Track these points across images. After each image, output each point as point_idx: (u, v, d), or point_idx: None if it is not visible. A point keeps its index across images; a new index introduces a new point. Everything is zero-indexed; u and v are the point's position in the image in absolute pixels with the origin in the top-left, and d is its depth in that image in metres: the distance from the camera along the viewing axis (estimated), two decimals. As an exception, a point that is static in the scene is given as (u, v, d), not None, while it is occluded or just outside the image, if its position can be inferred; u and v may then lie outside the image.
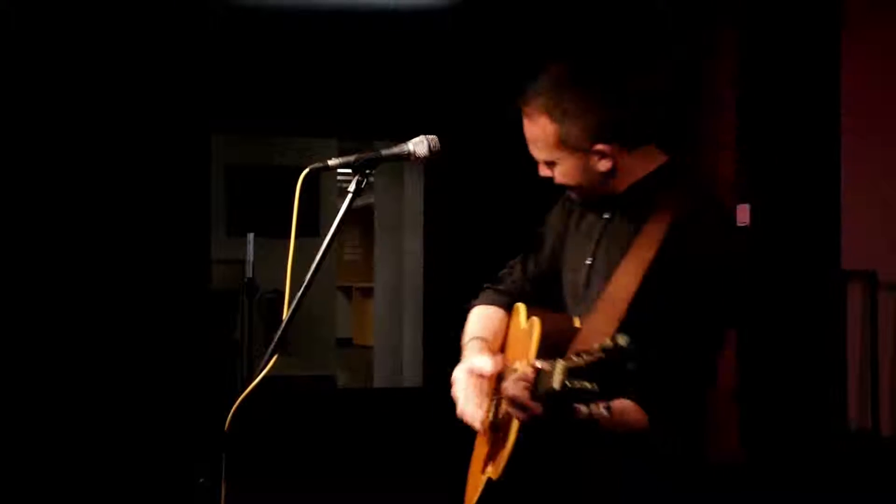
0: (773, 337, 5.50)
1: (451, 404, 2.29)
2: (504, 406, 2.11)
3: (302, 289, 2.10)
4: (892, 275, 5.41)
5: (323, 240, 2.15)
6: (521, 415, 1.94)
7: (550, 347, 2.05)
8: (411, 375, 8.08)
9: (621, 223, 2.22)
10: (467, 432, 2.33)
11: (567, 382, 1.76)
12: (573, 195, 2.28)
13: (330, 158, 2.19)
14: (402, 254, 8.96)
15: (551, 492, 2.13)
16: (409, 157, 2.24)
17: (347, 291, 13.26)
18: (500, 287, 2.48)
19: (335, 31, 6.09)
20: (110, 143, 5.64)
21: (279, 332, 2.11)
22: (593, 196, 2.26)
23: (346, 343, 12.66)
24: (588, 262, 2.26)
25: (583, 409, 1.86)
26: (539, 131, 2.18)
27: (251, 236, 5.74)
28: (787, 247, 5.53)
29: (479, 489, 2.23)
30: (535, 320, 2.14)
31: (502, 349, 2.38)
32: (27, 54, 5.44)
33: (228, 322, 7.68)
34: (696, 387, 2.17)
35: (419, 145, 2.24)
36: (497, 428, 2.21)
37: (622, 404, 2.00)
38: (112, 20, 5.60)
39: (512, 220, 4.03)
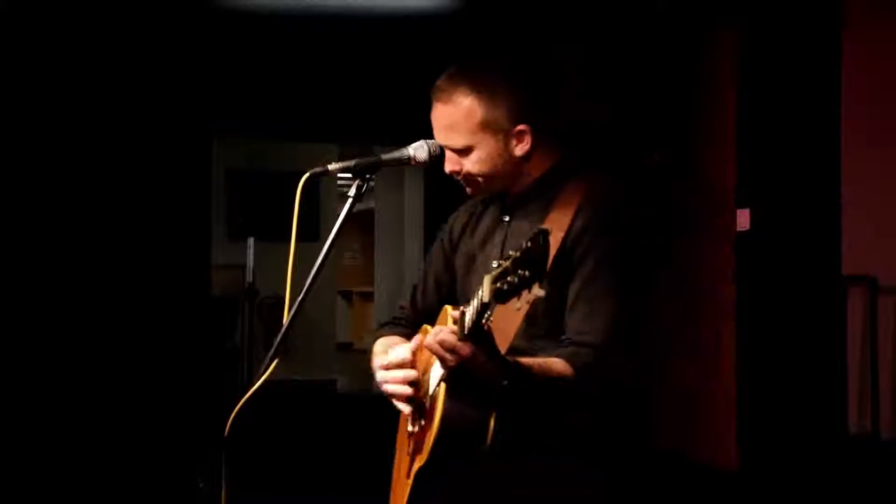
0: (772, 341, 5.50)
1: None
2: (428, 379, 2.15)
3: (302, 293, 2.11)
4: (892, 280, 5.40)
5: (323, 244, 2.16)
6: (450, 358, 1.93)
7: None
8: (411, 380, 8.06)
9: (523, 222, 2.27)
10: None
11: (498, 285, 1.74)
12: (477, 189, 2.29)
13: (330, 163, 2.20)
14: (403, 258, 8.97)
15: (481, 466, 2.11)
16: (409, 161, 2.25)
17: (348, 296, 13.25)
18: (399, 321, 2.53)
19: (336, 36, 6.10)
20: (111, 147, 5.64)
21: (279, 337, 2.12)
22: (498, 190, 2.30)
23: (346, 347, 12.64)
24: (495, 263, 2.27)
25: (519, 300, 1.78)
26: (461, 114, 2.19)
27: (251, 241, 5.74)
28: (787, 251, 5.52)
29: (408, 490, 2.22)
30: (447, 306, 2.18)
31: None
32: (28, 56, 5.44)
33: (229, 326, 7.69)
34: (619, 362, 2.17)
35: (419, 150, 2.25)
36: (421, 416, 2.21)
37: (547, 360, 2.08)
38: (113, 24, 5.60)
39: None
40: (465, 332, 1.89)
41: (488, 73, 2.20)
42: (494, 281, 1.74)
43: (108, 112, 5.63)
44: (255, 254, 5.72)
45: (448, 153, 2.25)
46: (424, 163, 2.26)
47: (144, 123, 5.72)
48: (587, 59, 6.27)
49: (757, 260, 5.57)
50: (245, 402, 2.10)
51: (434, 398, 2.11)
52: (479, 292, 1.80)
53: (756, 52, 5.61)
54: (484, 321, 1.85)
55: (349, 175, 2.20)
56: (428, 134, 2.28)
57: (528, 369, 2.03)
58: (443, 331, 1.94)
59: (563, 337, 2.16)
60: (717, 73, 6.01)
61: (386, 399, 2.29)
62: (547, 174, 2.28)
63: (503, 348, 2.08)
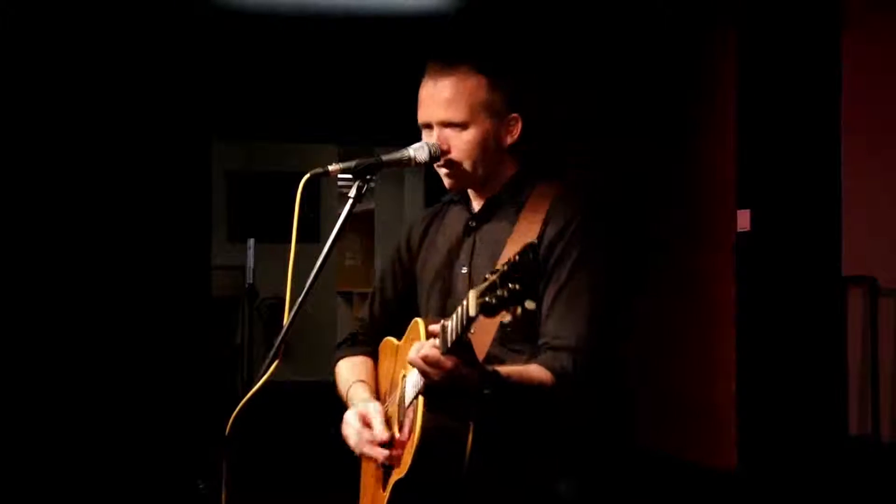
0: (772, 342, 5.49)
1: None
2: (401, 398, 2.17)
3: (302, 294, 2.11)
4: (892, 281, 5.40)
5: (323, 245, 2.15)
6: (434, 373, 1.92)
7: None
8: (412, 381, 8.06)
9: (493, 227, 2.27)
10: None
11: (486, 299, 1.72)
12: (456, 180, 2.27)
13: (330, 164, 2.19)
14: (382, 264, 8.97)
15: (461, 477, 2.10)
16: (409, 162, 2.25)
17: (348, 297, 13.25)
18: (359, 337, 2.51)
19: (335, 37, 6.10)
20: (111, 150, 5.64)
21: (280, 338, 2.11)
22: (474, 186, 2.29)
23: (346, 348, 12.62)
24: (464, 270, 2.29)
25: (508, 316, 1.77)
26: (465, 89, 2.21)
27: (252, 242, 5.75)
28: (787, 252, 5.52)
29: (385, 502, 2.20)
30: (417, 319, 2.19)
31: (377, 392, 2.40)
32: (28, 59, 5.44)
33: (229, 327, 7.69)
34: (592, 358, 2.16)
35: (420, 151, 2.24)
36: (392, 443, 2.19)
37: (526, 367, 2.09)
38: (113, 26, 5.60)
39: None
40: (448, 347, 1.89)
41: (495, 57, 2.23)
42: (481, 295, 1.73)
43: (108, 114, 5.63)
44: (256, 255, 5.73)
45: (436, 131, 2.24)
46: (425, 164, 2.25)
47: (145, 125, 5.72)
48: (580, 61, 6.27)
49: (757, 260, 5.57)
50: (246, 403, 2.10)
51: (413, 409, 2.10)
52: (464, 306, 1.79)
53: (756, 52, 5.61)
54: (467, 334, 1.85)
55: (349, 176, 2.20)
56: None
57: (507, 378, 2.02)
58: (425, 346, 1.93)
59: (541, 342, 2.15)
60: (717, 73, 6.01)
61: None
62: (514, 177, 2.28)
63: (480, 356, 2.08)
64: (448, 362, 1.89)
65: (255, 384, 2.09)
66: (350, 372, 2.45)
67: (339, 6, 6.10)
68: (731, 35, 5.80)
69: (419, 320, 2.19)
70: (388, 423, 2.21)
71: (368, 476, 2.39)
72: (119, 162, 5.66)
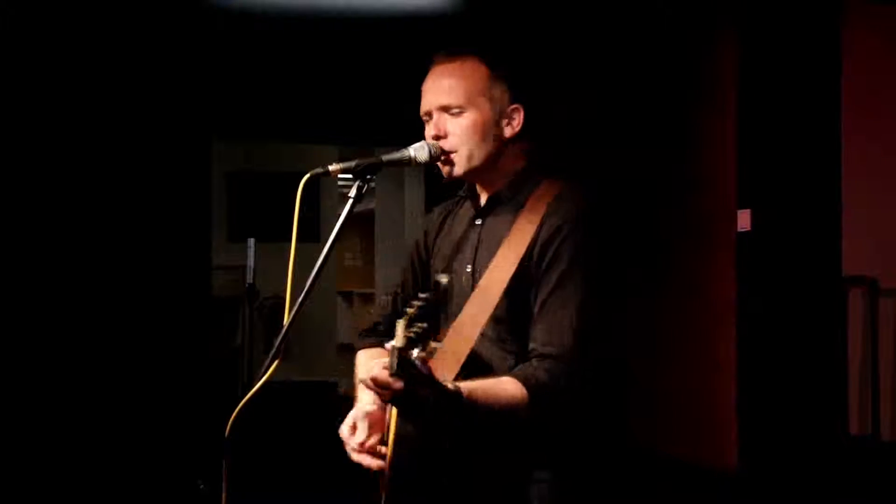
0: (773, 343, 5.50)
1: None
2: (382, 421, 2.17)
3: (303, 294, 2.10)
4: (892, 281, 5.40)
5: (324, 245, 2.15)
6: (384, 394, 1.93)
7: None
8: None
9: (495, 225, 2.26)
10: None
11: (408, 334, 1.77)
12: (453, 168, 2.25)
13: (330, 164, 2.18)
14: (403, 259, 8.95)
15: (441, 482, 2.12)
16: (409, 162, 2.24)
17: (348, 297, 13.25)
18: (379, 328, 2.50)
19: (335, 37, 6.10)
20: (111, 150, 5.64)
21: (280, 338, 2.11)
22: (473, 177, 2.28)
23: (347, 349, 12.62)
24: (468, 269, 2.29)
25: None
26: (466, 73, 2.22)
27: (252, 242, 5.74)
28: (788, 253, 5.52)
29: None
30: (399, 321, 2.17)
31: None
32: (27, 58, 5.44)
33: (229, 327, 7.69)
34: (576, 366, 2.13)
35: (420, 150, 2.24)
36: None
37: (500, 381, 2.07)
38: (113, 26, 5.60)
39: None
40: (394, 370, 1.86)
41: (497, 47, 2.24)
42: (407, 327, 1.76)
43: (107, 115, 5.63)
44: (256, 255, 5.72)
45: (436, 116, 2.24)
46: (425, 163, 2.25)
47: (144, 125, 5.71)
48: (587, 59, 6.27)
49: (757, 260, 5.57)
50: (246, 404, 2.09)
51: (391, 416, 2.15)
52: (396, 335, 1.81)
53: (756, 52, 5.61)
54: (414, 357, 1.83)
55: (349, 176, 2.20)
56: (427, 135, 2.28)
57: (470, 395, 1.98)
58: (376, 366, 1.92)
59: (530, 347, 2.14)
60: (717, 74, 6.01)
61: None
62: (519, 175, 2.27)
63: (457, 363, 2.08)
64: (397, 384, 1.86)
65: (255, 384, 2.09)
66: (364, 366, 2.44)
67: (340, 6, 6.10)
68: (731, 35, 5.80)
69: (400, 322, 2.20)
70: (388, 424, 2.22)
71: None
72: (119, 162, 5.66)
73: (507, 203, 2.25)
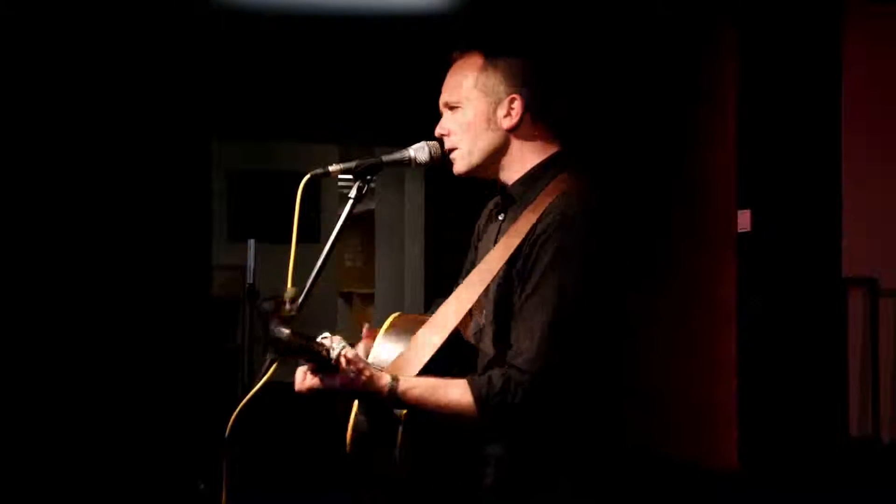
0: (773, 343, 5.50)
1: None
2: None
3: (303, 294, 2.10)
4: (892, 282, 5.41)
5: (324, 246, 2.15)
6: (313, 394, 2.06)
7: (396, 331, 2.18)
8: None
9: (511, 221, 2.21)
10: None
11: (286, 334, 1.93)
12: (457, 163, 2.24)
13: (331, 164, 2.18)
14: (403, 260, 8.95)
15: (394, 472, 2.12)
16: (410, 162, 2.24)
17: (348, 297, 13.25)
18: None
19: (336, 37, 6.10)
20: (111, 149, 5.64)
21: (280, 338, 2.11)
22: (480, 171, 2.24)
23: (346, 349, 12.62)
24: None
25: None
26: (464, 70, 2.21)
27: (252, 242, 5.74)
28: (788, 253, 5.52)
29: None
30: (394, 315, 2.23)
31: None
32: (27, 58, 5.44)
33: (229, 327, 7.69)
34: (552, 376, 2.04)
35: (420, 151, 2.24)
36: None
37: (447, 384, 2.04)
38: (113, 25, 5.60)
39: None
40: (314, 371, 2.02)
41: (500, 43, 2.20)
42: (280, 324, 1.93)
43: (108, 114, 5.63)
44: (256, 255, 5.72)
45: (443, 115, 2.24)
46: (425, 164, 2.25)
47: (145, 125, 5.71)
48: (588, 59, 6.27)
49: (758, 261, 5.57)
50: (246, 404, 2.10)
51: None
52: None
53: (756, 51, 5.62)
54: (334, 359, 1.97)
55: (350, 176, 2.20)
56: (429, 135, 2.27)
57: (406, 395, 2.02)
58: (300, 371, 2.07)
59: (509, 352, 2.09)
60: (717, 73, 6.01)
61: None
62: (534, 169, 2.21)
63: (425, 356, 2.09)
64: (314, 382, 2.03)
65: (256, 384, 2.09)
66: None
67: (340, 6, 6.10)
68: (731, 35, 5.80)
69: (396, 315, 2.23)
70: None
71: None
72: (119, 161, 5.66)
73: (520, 199, 2.21)
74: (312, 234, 8.49)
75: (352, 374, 2.00)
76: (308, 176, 2.15)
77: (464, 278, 2.28)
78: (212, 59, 5.88)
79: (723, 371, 5.80)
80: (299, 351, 1.97)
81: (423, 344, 2.11)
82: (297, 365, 2.07)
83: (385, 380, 2.02)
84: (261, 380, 2.09)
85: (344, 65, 6.15)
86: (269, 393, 2.13)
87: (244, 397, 2.10)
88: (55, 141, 5.52)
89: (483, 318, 2.21)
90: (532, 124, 2.20)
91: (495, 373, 2.03)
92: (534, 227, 2.11)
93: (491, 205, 2.40)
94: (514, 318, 2.09)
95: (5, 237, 5.38)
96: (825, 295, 5.46)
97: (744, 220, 5.60)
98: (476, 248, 2.40)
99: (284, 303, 1.96)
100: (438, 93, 2.28)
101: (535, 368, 2.01)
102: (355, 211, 2.19)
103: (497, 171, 2.24)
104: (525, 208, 2.16)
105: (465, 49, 2.23)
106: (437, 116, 2.27)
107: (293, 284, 2.10)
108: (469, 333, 2.23)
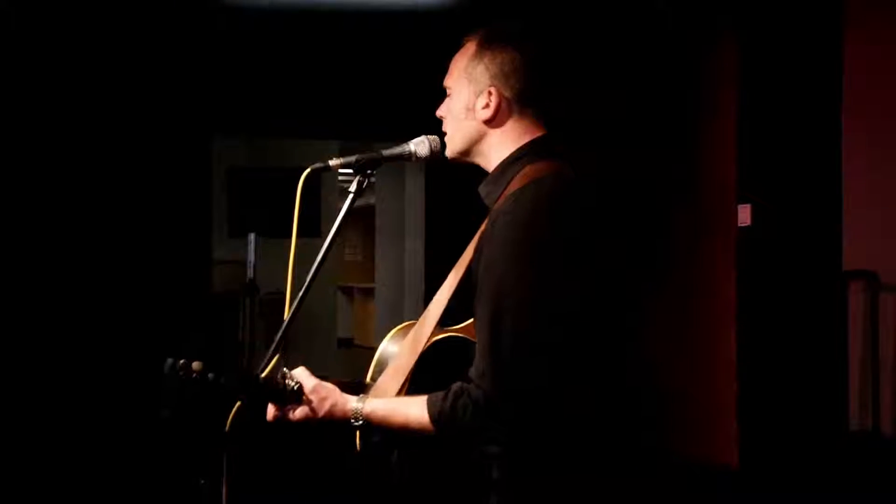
0: (773, 338, 5.50)
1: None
2: None
3: (303, 289, 2.10)
4: (893, 276, 5.40)
5: (324, 240, 2.15)
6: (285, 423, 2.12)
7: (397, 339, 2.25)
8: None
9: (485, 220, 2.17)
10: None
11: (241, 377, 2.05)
12: (447, 147, 2.23)
13: (331, 159, 2.19)
14: (404, 254, 8.96)
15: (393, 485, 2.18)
16: (410, 157, 2.24)
17: (348, 292, 13.26)
18: None
19: (336, 32, 6.09)
20: (112, 146, 5.64)
21: (280, 333, 2.11)
22: (465, 159, 2.22)
23: (347, 343, 12.65)
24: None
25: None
26: (458, 56, 2.21)
27: (252, 237, 5.75)
28: (788, 248, 5.52)
29: None
30: (405, 324, 2.26)
31: None
32: (28, 56, 5.44)
33: (230, 322, 7.69)
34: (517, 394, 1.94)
35: (420, 145, 2.24)
36: None
37: (408, 402, 2.04)
38: (113, 23, 5.60)
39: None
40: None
41: (495, 32, 2.20)
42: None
43: (109, 111, 5.63)
44: (257, 250, 5.72)
45: None
46: (425, 159, 2.25)
47: (145, 121, 5.72)
48: (587, 58, 6.26)
49: (758, 255, 5.57)
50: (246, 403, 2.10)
51: None
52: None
53: (756, 51, 5.61)
54: (287, 388, 2.05)
55: (350, 171, 2.20)
56: (429, 130, 2.27)
57: (371, 416, 2.05)
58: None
59: None
60: (717, 73, 6.01)
61: None
62: (502, 163, 2.15)
63: (404, 372, 2.11)
64: (280, 414, 2.10)
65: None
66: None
67: (340, 3, 6.09)
68: (731, 35, 5.80)
69: (407, 324, 2.24)
70: None
71: None
72: (120, 158, 5.66)
73: (487, 198, 2.17)
74: (313, 229, 8.48)
75: (313, 405, 2.06)
76: (308, 170, 2.15)
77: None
78: (213, 56, 5.88)
79: (723, 366, 5.80)
80: (257, 390, 2.04)
81: (399, 366, 2.14)
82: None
83: (350, 404, 2.06)
84: (261, 374, 2.09)
85: (343, 60, 6.15)
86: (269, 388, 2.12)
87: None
88: (56, 138, 5.52)
89: None
90: (510, 118, 2.15)
91: (454, 388, 1.97)
92: (489, 228, 2.05)
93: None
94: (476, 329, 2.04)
95: (5, 233, 5.38)
96: (825, 289, 5.46)
97: (744, 214, 5.60)
98: None
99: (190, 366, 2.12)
100: (438, 88, 2.28)
101: (485, 383, 1.92)
102: (356, 205, 2.19)
103: (480, 161, 2.21)
104: (492, 206, 2.12)
105: (472, 33, 2.23)
106: (436, 111, 2.27)
107: (293, 279, 2.10)
108: None
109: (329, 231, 2.16)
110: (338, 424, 2.07)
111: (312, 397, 2.05)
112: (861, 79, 5.45)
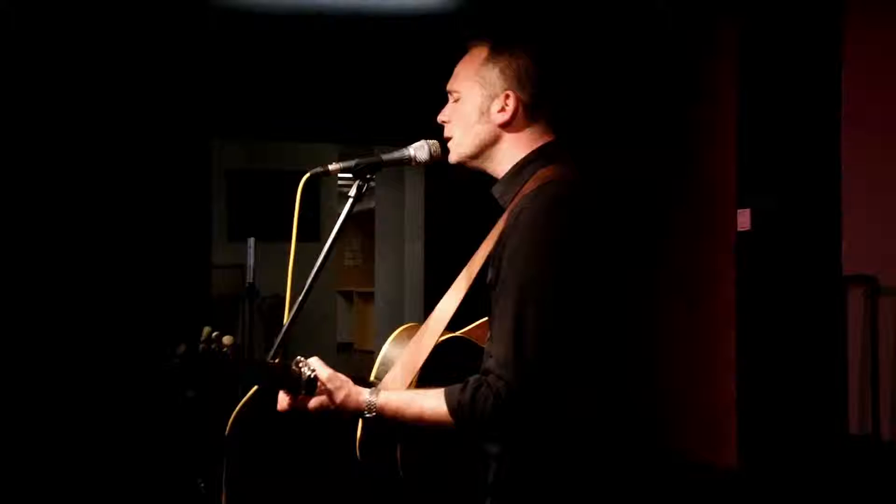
0: (772, 341, 5.50)
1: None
2: None
3: (303, 293, 2.10)
4: (892, 280, 5.40)
5: (324, 244, 2.15)
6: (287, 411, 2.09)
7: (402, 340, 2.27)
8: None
9: (495, 222, 2.18)
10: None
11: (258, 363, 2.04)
12: (451, 152, 2.22)
13: (331, 163, 2.18)
14: (403, 258, 8.96)
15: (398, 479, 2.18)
16: (410, 161, 2.24)
17: (348, 296, 13.26)
18: None
19: (335, 36, 6.10)
20: (111, 149, 5.64)
21: (280, 337, 2.11)
22: (473, 164, 2.22)
23: (346, 348, 12.67)
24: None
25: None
26: (468, 60, 2.20)
27: (252, 241, 5.74)
28: (788, 251, 5.52)
29: None
30: (408, 325, 2.27)
31: None
32: (27, 58, 5.44)
33: (229, 326, 7.68)
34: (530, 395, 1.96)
35: (420, 150, 2.24)
36: None
37: (426, 393, 2.03)
38: (112, 25, 5.60)
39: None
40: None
41: (507, 36, 2.19)
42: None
43: (107, 114, 5.63)
44: (256, 254, 5.72)
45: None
46: (425, 163, 2.25)
47: (145, 124, 5.72)
48: (589, 58, 6.27)
49: (757, 260, 5.57)
50: (246, 403, 2.10)
51: None
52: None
53: (756, 51, 5.62)
54: (304, 376, 2.03)
55: (349, 175, 2.20)
56: (429, 134, 2.27)
57: (384, 409, 2.03)
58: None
59: None
60: (717, 73, 6.01)
61: None
62: (516, 166, 2.17)
63: (414, 368, 2.11)
64: (293, 404, 2.05)
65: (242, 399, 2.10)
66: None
67: (340, 5, 6.10)
68: (731, 35, 5.81)
69: (411, 325, 2.24)
70: None
71: None
72: (119, 161, 5.66)
73: (501, 199, 2.19)
74: (312, 233, 8.54)
75: (327, 394, 2.03)
76: (308, 175, 2.15)
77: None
78: (212, 59, 5.88)
79: (722, 370, 5.80)
80: (273, 378, 2.01)
81: (414, 351, 2.13)
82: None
83: (363, 395, 2.04)
84: (238, 404, 2.10)
85: (344, 64, 6.15)
86: (269, 392, 2.13)
87: (244, 396, 2.10)
88: (55, 140, 5.52)
89: None
90: (526, 122, 2.17)
91: (472, 380, 1.98)
92: (501, 232, 2.07)
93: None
94: (492, 322, 2.06)
95: (4, 235, 5.38)
96: (825, 293, 5.46)
97: (744, 219, 5.60)
98: None
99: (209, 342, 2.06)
100: (438, 91, 2.28)
101: (507, 374, 1.93)
102: (355, 210, 2.19)
103: (488, 165, 2.22)
104: (507, 206, 2.14)
105: (479, 39, 2.22)
106: (437, 114, 2.27)
107: (293, 283, 2.11)
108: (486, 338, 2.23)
109: (329, 235, 2.16)
110: (348, 416, 2.06)
111: (329, 386, 2.03)
112: (861, 82, 5.45)
